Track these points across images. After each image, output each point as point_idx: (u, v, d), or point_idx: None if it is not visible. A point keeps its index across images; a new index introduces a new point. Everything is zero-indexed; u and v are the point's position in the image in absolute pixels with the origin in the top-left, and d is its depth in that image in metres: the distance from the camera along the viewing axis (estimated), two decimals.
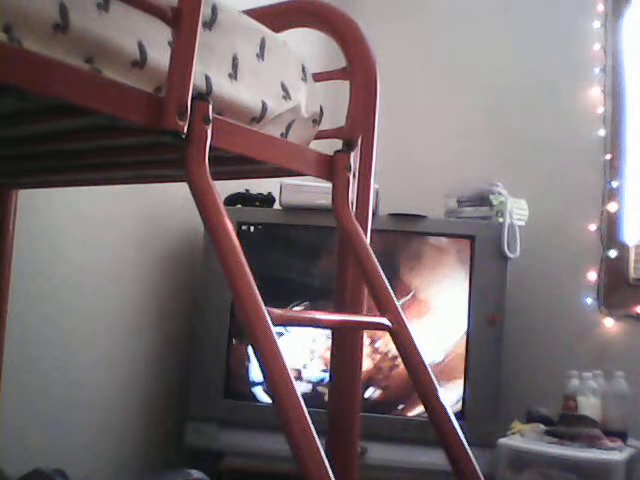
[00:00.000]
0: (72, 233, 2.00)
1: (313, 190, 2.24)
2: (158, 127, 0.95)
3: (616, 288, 2.57)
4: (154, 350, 2.32)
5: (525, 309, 2.57)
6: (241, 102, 1.12)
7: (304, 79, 1.28)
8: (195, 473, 1.81)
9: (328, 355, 1.90)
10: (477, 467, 1.08)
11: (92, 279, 2.07)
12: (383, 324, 1.15)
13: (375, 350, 2.25)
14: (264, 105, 1.16)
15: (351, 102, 1.37)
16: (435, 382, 1.13)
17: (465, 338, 2.22)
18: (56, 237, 1.96)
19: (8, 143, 1.24)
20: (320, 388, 2.22)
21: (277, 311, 0.94)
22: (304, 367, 2.24)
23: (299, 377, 2.22)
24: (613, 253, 2.57)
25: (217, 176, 0.99)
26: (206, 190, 0.98)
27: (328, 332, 1.94)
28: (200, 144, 0.99)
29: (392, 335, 1.15)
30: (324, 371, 2.22)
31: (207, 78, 1.05)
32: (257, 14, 1.25)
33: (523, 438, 2.15)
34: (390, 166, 2.20)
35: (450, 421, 1.11)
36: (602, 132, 2.64)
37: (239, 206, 2.36)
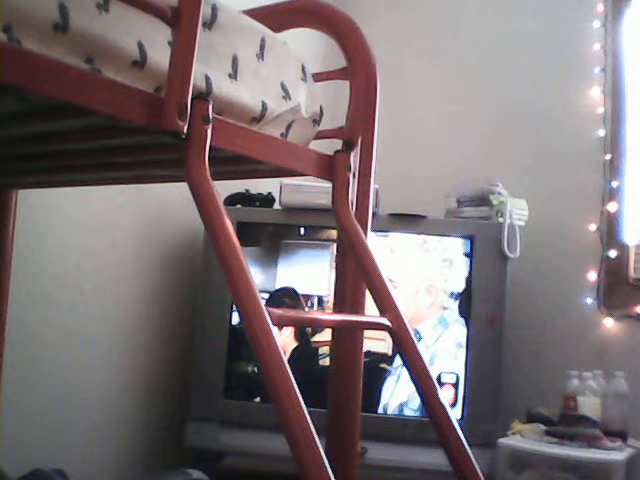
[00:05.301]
0: (72, 234, 2.00)
1: (313, 190, 2.24)
2: (158, 127, 0.95)
3: (616, 288, 2.56)
4: (154, 350, 2.32)
5: (525, 309, 2.57)
6: (241, 102, 1.12)
7: (304, 79, 1.28)
8: (195, 473, 1.81)
9: None
10: (477, 467, 1.09)
11: (92, 279, 2.07)
12: (383, 324, 1.15)
13: None
14: (264, 105, 1.16)
15: (351, 102, 1.37)
16: (435, 382, 1.13)
17: None
18: (56, 237, 1.96)
19: (8, 143, 1.24)
20: None
21: (277, 311, 0.94)
22: None
23: None
24: (613, 253, 2.56)
25: (217, 176, 0.99)
26: (206, 190, 0.98)
27: None
28: (200, 144, 0.99)
29: (392, 335, 1.15)
30: None
31: (207, 78, 1.05)
32: (257, 14, 1.25)
33: (523, 438, 2.15)
34: (390, 166, 2.20)
35: (450, 421, 1.11)
36: (602, 132, 2.63)
37: (239, 206, 2.36)
